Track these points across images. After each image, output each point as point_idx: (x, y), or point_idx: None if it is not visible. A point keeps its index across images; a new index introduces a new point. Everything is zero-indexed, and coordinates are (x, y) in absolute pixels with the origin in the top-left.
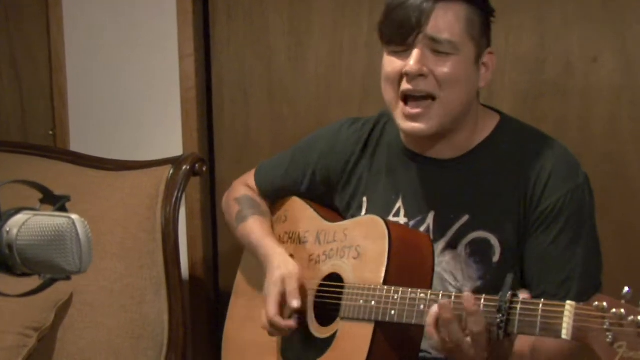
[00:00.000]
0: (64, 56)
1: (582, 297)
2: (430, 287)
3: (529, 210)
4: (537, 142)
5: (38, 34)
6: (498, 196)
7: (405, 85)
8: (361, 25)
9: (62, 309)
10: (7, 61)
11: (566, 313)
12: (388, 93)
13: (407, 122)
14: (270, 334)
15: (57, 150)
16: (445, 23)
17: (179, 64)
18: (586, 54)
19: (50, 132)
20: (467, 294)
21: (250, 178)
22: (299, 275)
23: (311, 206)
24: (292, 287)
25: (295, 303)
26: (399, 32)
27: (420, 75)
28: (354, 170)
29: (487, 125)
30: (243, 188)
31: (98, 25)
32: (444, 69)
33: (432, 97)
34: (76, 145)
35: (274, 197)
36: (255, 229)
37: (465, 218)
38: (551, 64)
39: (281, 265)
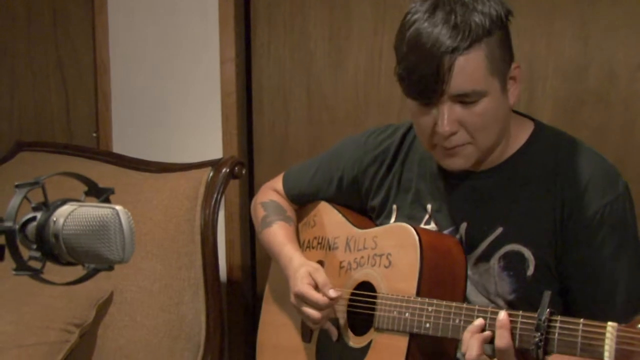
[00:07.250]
0: (108, 60)
1: (628, 310)
2: (464, 291)
3: (566, 223)
4: (572, 151)
5: (84, 39)
6: (532, 208)
7: (440, 142)
8: None
9: (103, 307)
10: (53, 65)
11: (608, 335)
12: (421, 137)
13: (447, 158)
14: (319, 322)
15: (100, 152)
16: (468, 75)
17: (219, 69)
18: (631, 60)
19: (94, 134)
20: (502, 312)
21: (278, 183)
22: (323, 270)
23: (340, 211)
24: (322, 278)
25: (333, 292)
26: (421, 92)
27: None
28: (385, 178)
29: (521, 135)
30: (271, 192)
31: (141, 31)
32: (474, 118)
33: (468, 142)
34: (119, 147)
35: (301, 202)
36: (278, 235)
37: (499, 230)
38: (594, 71)
39: (304, 263)
